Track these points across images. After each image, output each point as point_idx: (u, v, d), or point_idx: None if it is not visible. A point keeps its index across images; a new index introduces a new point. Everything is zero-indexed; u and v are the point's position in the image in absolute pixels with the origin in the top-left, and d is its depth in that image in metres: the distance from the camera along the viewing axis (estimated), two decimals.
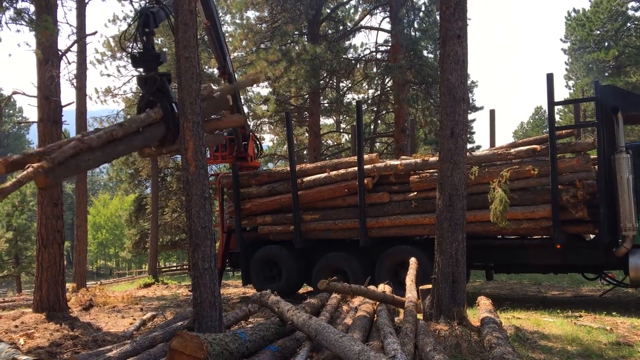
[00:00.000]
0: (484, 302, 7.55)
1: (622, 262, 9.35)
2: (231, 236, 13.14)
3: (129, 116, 27.86)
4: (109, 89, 27.27)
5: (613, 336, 6.87)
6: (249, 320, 8.28)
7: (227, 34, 25.99)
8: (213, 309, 6.17)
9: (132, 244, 32.46)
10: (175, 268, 41.61)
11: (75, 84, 17.00)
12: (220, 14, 26.85)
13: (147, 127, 8.30)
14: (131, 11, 26.71)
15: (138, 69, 9.43)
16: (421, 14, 22.82)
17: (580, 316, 8.50)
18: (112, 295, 13.45)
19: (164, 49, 26.32)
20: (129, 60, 27.76)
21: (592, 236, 10.13)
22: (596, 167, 9.65)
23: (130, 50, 9.57)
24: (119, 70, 28.84)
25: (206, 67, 25.83)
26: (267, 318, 7.97)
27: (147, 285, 19.48)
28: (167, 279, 24.59)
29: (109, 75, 27.79)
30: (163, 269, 38.69)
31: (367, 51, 24.71)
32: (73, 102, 16.25)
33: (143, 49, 9.21)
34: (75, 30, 17.27)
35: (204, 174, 6.32)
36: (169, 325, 7.07)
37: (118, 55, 25.00)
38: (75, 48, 14.30)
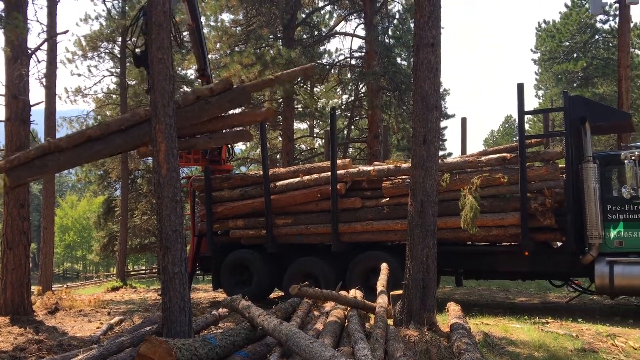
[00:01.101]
0: (453, 308, 7.63)
1: (588, 269, 9.53)
2: (202, 240, 13.02)
3: (99, 117, 27.59)
4: (79, 89, 26.82)
5: (579, 342, 7.00)
6: (219, 325, 8.20)
7: None
8: (182, 314, 6.10)
9: (100, 247, 31.93)
10: (144, 271, 41.07)
11: (44, 83, 16.72)
12: None
13: (134, 126, 8.13)
14: (103, 10, 26.34)
15: (139, 68, 9.35)
16: (395, 21, 23.06)
17: (547, 323, 8.64)
18: (78, 299, 13.22)
19: (137, 50, 26.11)
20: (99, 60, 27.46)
21: (559, 244, 10.31)
22: (564, 175, 9.83)
23: (131, 48, 9.44)
24: (89, 70, 28.39)
25: (179, 68, 25.63)
26: (237, 323, 7.90)
27: (115, 289, 19.17)
28: (136, 282, 24.24)
29: (79, 74, 27.31)
30: (132, 273, 38.15)
31: (342, 57, 24.85)
32: (42, 101, 15.92)
33: (145, 49, 9.18)
34: (45, 29, 16.99)
35: (176, 177, 6.26)
36: (137, 330, 6.96)
37: (89, 54, 24.64)
38: (45, 46, 14.02)
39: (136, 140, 8.37)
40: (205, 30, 24.28)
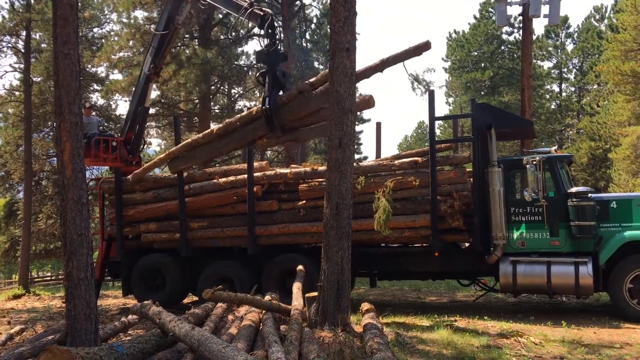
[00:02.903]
0: (367, 309, 7.77)
1: (494, 269, 9.98)
2: (111, 244, 12.51)
3: (0, 114, 25.97)
4: None
5: (484, 339, 7.31)
6: (128, 332, 7.89)
7: (112, 33, 24.93)
8: (88, 322, 5.82)
9: (1, 252, 29.93)
10: (49, 278, 38.95)
11: None
12: (106, 12, 25.70)
13: (249, 123, 10.72)
14: (6, 2, 24.81)
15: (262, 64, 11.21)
16: (313, 26, 23.26)
17: (455, 321, 8.95)
18: None
19: (43, 45, 24.77)
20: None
21: (467, 244, 10.73)
22: (471, 179, 10.25)
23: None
24: None
25: (89, 66, 24.58)
26: (147, 330, 7.64)
27: (16, 297, 18.00)
28: (40, 289, 22.91)
29: None
30: (36, 279, 36.08)
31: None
32: None
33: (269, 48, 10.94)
34: None
35: (82, 178, 5.96)
36: (39, 340, 6.59)
37: None
38: None
39: (251, 134, 10.79)
40: (117, 27, 23.55)
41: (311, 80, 10.32)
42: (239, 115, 11.25)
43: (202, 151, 11.28)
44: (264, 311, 7.52)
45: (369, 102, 10.27)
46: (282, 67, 11.27)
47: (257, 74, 10.99)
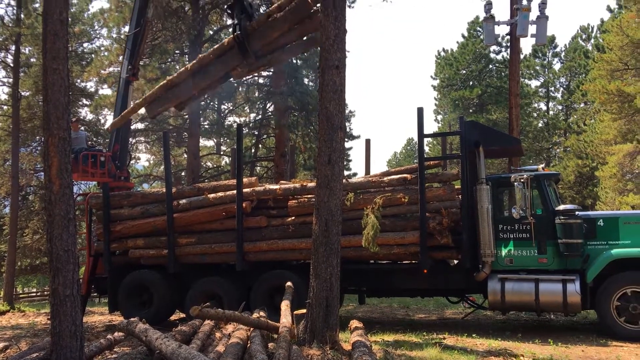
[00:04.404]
0: (355, 326, 7.73)
1: (482, 286, 10.00)
2: (98, 260, 12.39)
3: None
4: None
5: (473, 357, 7.29)
6: (114, 350, 7.77)
7: (102, 48, 24.94)
8: (74, 339, 5.75)
9: None
10: (35, 294, 38.40)
11: None
12: (96, 27, 25.73)
13: (222, 55, 11.03)
14: None
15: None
16: None
17: (444, 338, 8.93)
18: None
19: (32, 59, 24.69)
20: None
21: (455, 262, 10.74)
22: (460, 196, 10.30)
23: None
24: None
25: (78, 80, 24.51)
26: (134, 347, 7.54)
27: (0, 314, 17.74)
28: (25, 306, 22.57)
29: None
30: (21, 295, 35.55)
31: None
32: None
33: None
34: None
35: (69, 194, 5.93)
36: (23, 357, 6.48)
37: None
38: None
39: (225, 65, 11.09)
40: (107, 43, 23.57)
41: (278, 2, 10.72)
42: (211, 49, 11.72)
43: (177, 91, 11.63)
44: (251, 328, 7.47)
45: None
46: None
47: (225, 7, 11.41)
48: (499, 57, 36.41)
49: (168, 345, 5.39)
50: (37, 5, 21.14)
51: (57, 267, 5.75)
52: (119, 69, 21.89)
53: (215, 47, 11.60)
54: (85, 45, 26.87)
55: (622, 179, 21.49)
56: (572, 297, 9.19)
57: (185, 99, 12.23)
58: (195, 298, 11.03)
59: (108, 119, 25.26)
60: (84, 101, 26.45)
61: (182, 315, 12.34)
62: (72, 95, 21.71)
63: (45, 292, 35.24)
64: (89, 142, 14.70)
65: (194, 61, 11.61)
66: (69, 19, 6.75)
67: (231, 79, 12.45)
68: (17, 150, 22.77)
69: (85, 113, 26.78)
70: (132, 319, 6.56)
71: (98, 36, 26.61)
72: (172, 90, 11.74)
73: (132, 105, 12.78)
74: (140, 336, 6.05)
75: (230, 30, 11.39)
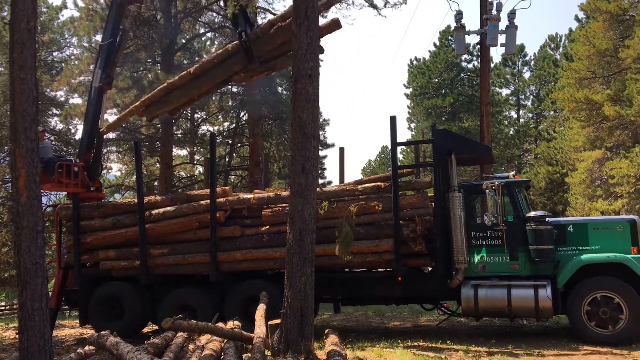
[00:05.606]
0: (330, 335, 7.71)
1: (456, 293, 10.07)
2: (68, 273, 12.14)
3: None
4: None
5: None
6: None
7: (72, 57, 24.59)
8: (42, 354, 5.64)
9: None
10: (3, 308, 37.49)
11: None
12: (67, 36, 25.37)
13: (226, 59, 11.25)
14: None
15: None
16: None
17: (419, 345, 8.96)
18: None
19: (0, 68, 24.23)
20: None
21: (429, 269, 10.80)
22: (433, 204, 10.37)
23: None
24: None
25: (48, 90, 24.11)
26: None
27: None
28: None
29: None
30: None
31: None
32: None
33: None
34: None
35: (37, 205, 5.82)
36: None
37: None
38: None
39: (227, 70, 11.33)
40: (77, 51, 23.25)
41: (281, 13, 11.34)
42: (215, 53, 11.93)
43: (178, 94, 11.66)
44: (225, 340, 7.40)
45: (337, 23, 10.95)
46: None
47: (229, 15, 11.68)
48: (470, 65, 36.93)
49: (140, 358, 5.31)
50: (5, 14, 20.77)
51: (25, 280, 5.63)
52: (90, 77, 21.62)
53: (219, 51, 11.92)
54: (55, 54, 26.51)
55: (592, 185, 21.91)
56: (544, 303, 9.30)
57: (184, 102, 12.42)
58: (168, 310, 10.84)
59: (78, 128, 24.82)
60: (54, 110, 26.04)
61: (155, 327, 12.14)
62: (41, 104, 21.33)
63: (14, 306, 34.43)
64: (55, 153, 14.41)
65: (197, 65, 11.88)
66: (38, 28, 6.64)
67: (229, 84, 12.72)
68: None
69: (55, 123, 26.33)
70: (103, 332, 6.44)
71: (68, 45, 26.29)
72: (173, 93, 11.76)
73: (129, 109, 12.63)
74: (112, 350, 5.94)
75: (237, 36, 11.71)
